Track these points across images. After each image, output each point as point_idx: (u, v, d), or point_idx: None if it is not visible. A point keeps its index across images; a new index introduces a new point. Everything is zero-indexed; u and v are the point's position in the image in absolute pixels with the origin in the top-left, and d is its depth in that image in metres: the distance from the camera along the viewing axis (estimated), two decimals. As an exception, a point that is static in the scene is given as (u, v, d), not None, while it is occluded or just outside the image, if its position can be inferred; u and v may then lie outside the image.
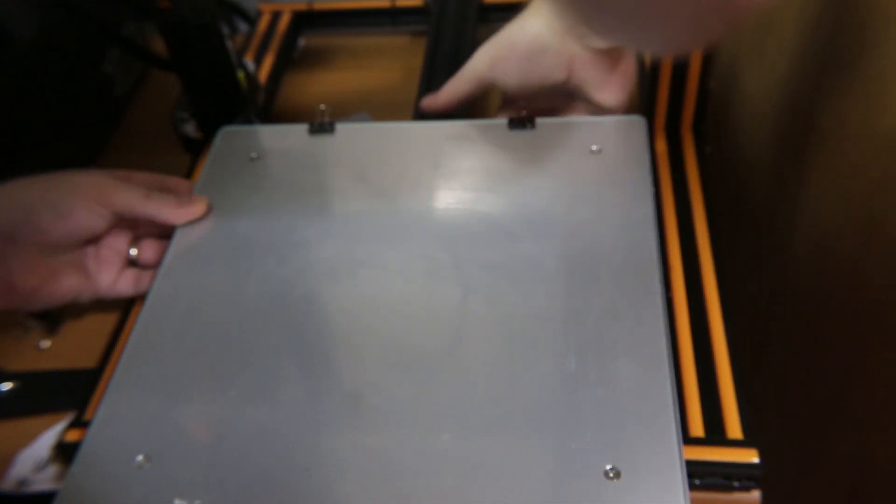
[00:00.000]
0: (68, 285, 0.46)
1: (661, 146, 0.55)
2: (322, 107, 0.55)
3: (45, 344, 0.50)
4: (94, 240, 0.48)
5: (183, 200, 0.49)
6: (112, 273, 0.48)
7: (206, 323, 0.44)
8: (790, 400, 0.58)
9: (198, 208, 0.49)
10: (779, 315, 0.59)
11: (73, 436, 0.42)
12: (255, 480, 0.36)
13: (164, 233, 0.50)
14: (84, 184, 0.47)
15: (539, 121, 0.53)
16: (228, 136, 0.56)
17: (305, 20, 0.75)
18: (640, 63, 0.64)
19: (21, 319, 0.51)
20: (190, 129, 0.59)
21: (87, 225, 0.46)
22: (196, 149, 0.59)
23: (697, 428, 0.39)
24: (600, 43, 0.47)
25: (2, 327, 0.51)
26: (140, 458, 0.38)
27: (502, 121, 0.54)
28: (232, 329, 0.43)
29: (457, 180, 0.50)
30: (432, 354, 0.41)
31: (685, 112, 0.55)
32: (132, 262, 0.50)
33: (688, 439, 0.39)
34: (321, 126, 0.55)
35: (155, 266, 0.48)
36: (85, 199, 0.46)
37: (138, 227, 0.50)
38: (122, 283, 0.49)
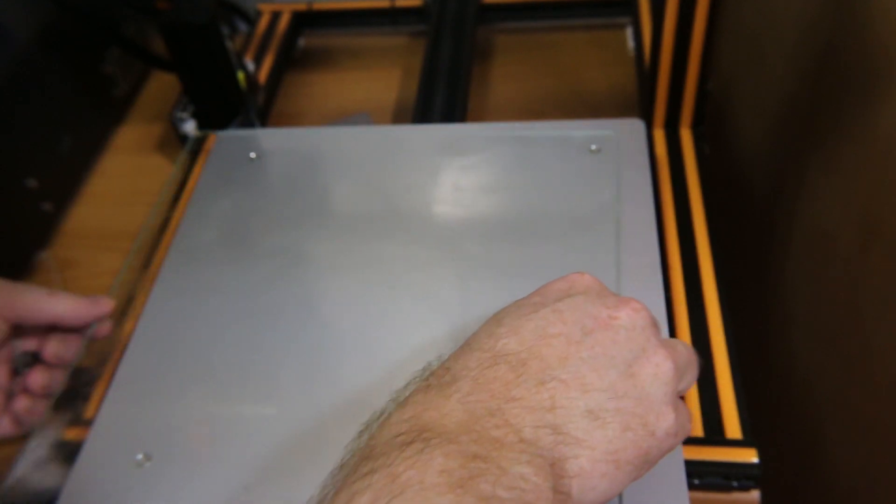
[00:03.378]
0: None
1: (660, 147, 0.55)
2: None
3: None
4: None
5: (87, 297, 0.42)
6: None
7: (205, 323, 0.44)
8: (790, 400, 0.58)
9: (108, 304, 0.43)
10: (778, 315, 0.59)
11: (72, 434, 0.42)
12: (255, 479, 0.36)
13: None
14: None
15: (538, 122, 0.53)
16: (226, 140, 0.56)
17: (305, 20, 0.75)
18: (640, 63, 0.64)
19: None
20: (190, 129, 0.59)
21: None
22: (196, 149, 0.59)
23: (697, 428, 0.39)
24: None
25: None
26: (140, 456, 0.38)
27: (502, 123, 0.54)
28: (231, 329, 0.44)
29: (456, 181, 0.50)
30: (433, 355, 0.41)
31: (684, 113, 0.55)
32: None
33: (687, 439, 0.39)
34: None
35: (46, 396, 0.42)
36: None
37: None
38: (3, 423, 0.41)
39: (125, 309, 0.49)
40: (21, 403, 0.41)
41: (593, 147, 0.51)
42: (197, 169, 0.56)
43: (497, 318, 0.30)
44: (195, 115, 0.58)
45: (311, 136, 0.57)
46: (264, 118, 0.64)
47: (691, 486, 0.36)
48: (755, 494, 0.38)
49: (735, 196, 0.66)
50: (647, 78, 0.55)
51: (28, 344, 0.42)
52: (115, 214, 0.61)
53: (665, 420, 0.27)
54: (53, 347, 0.42)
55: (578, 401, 0.26)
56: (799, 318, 0.55)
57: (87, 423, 0.41)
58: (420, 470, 0.23)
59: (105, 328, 0.44)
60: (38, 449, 0.43)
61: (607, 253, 0.44)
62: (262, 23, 0.73)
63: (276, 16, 0.74)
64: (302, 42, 0.75)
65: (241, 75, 0.57)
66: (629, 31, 0.71)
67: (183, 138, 0.59)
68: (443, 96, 0.61)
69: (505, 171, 0.51)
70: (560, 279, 0.32)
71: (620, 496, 0.34)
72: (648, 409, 0.27)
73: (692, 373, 0.31)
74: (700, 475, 0.38)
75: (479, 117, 0.64)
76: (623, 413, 0.27)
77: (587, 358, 0.27)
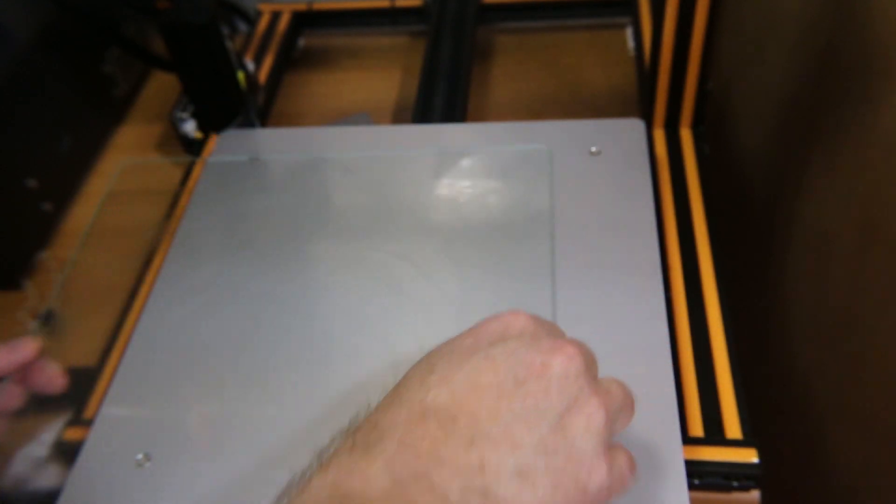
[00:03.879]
0: None
1: (660, 147, 0.55)
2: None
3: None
4: None
5: (3, 344, 0.38)
6: None
7: (205, 323, 0.44)
8: (790, 400, 0.58)
9: (30, 347, 0.39)
10: (778, 315, 0.59)
11: (71, 434, 0.42)
12: (254, 478, 0.36)
13: None
14: None
15: (539, 123, 0.53)
16: (226, 139, 0.56)
17: (305, 20, 0.75)
18: (640, 63, 0.64)
19: (21, 320, 0.51)
20: (190, 129, 0.59)
21: None
22: (196, 149, 0.59)
23: (697, 428, 0.39)
24: None
25: (1, 327, 0.51)
26: (140, 456, 0.38)
27: (502, 123, 0.54)
28: (231, 329, 0.44)
29: (455, 182, 0.50)
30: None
31: (684, 113, 0.55)
32: None
33: (687, 439, 0.39)
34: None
35: None
36: None
37: None
38: None
39: (127, 305, 0.49)
40: None
41: (593, 148, 0.51)
42: (197, 169, 0.56)
43: (429, 363, 0.30)
44: (195, 115, 0.58)
45: (311, 136, 0.57)
46: (264, 118, 0.64)
47: (691, 486, 0.36)
48: (755, 494, 0.38)
49: (735, 196, 0.66)
50: (647, 78, 0.55)
51: None
52: (114, 214, 0.61)
53: (597, 475, 0.27)
54: None
55: (508, 458, 0.26)
56: (799, 318, 0.55)
57: (87, 423, 0.41)
58: None
59: (58, 383, 0.39)
60: (38, 449, 0.43)
61: (607, 253, 0.45)
62: (262, 23, 0.73)
63: (276, 16, 0.74)
64: (302, 42, 0.75)
65: (241, 75, 0.57)
66: (629, 31, 0.71)
67: (183, 138, 0.59)
68: (443, 96, 0.61)
69: (504, 170, 0.51)
70: (494, 319, 0.31)
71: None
72: (580, 464, 0.27)
73: (627, 414, 0.30)
74: (700, 475, 0.38)
75: (479, 117, 0.64)
76: (553, 471, 0.26)
77: (518, 411, 0.27)
